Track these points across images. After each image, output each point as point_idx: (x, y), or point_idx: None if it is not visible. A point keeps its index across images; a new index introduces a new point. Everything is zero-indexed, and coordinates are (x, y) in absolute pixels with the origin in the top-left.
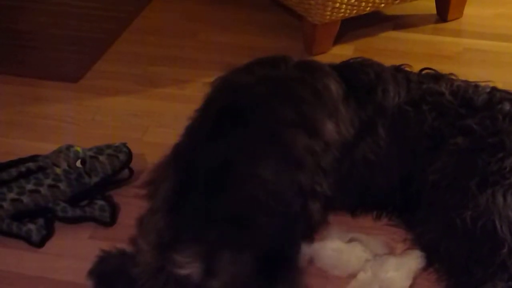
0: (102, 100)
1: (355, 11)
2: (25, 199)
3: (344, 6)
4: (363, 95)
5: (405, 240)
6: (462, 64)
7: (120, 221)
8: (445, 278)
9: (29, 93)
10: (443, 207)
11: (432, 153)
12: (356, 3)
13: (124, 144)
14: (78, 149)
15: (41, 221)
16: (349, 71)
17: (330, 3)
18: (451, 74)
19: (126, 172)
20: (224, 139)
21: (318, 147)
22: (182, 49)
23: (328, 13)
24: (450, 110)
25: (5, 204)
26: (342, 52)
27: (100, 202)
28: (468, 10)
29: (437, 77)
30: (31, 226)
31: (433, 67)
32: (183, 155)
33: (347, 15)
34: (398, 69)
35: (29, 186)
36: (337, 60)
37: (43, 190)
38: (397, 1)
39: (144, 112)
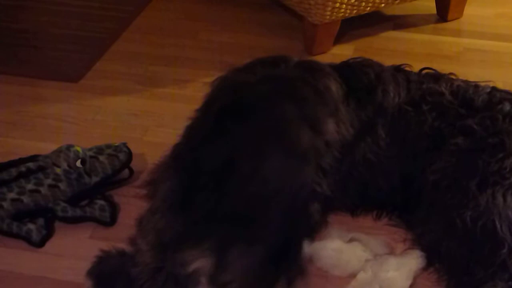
0: (103, 100)
1: (355, 11)
2: (25, 199)
3: (344, 6)
4: (363, 95)
5: (405, 240)
6: (462, 64)
7: (120, 221)
8: (446, 278)
9: (29, 93)
10: (443, 207)
11: (432, 153)
12: (356, 3)
13: (124, 144)
14: (78, 149)
15: (41, 221)
16: (349, 71)
17: (330, 3)
18: (451, 74)
19: (126, 172)
20: (226, 137)
21: (320, 145)
22: (182, 49)
23: (328, 13)
24: (450, 110)
25: (5, 204)
26: (342, 52)
27: (100, 202)
28: (468, 10)
29: (437, 77)
30: (31, 226)
31: (433, 67)
32: (183, 155)
33: (347, 15)
34: (398, 69)
35: (29, 186)
36: (337, 60)
37: (43, 190)
38: (397, 1)
39: (144, 112)
